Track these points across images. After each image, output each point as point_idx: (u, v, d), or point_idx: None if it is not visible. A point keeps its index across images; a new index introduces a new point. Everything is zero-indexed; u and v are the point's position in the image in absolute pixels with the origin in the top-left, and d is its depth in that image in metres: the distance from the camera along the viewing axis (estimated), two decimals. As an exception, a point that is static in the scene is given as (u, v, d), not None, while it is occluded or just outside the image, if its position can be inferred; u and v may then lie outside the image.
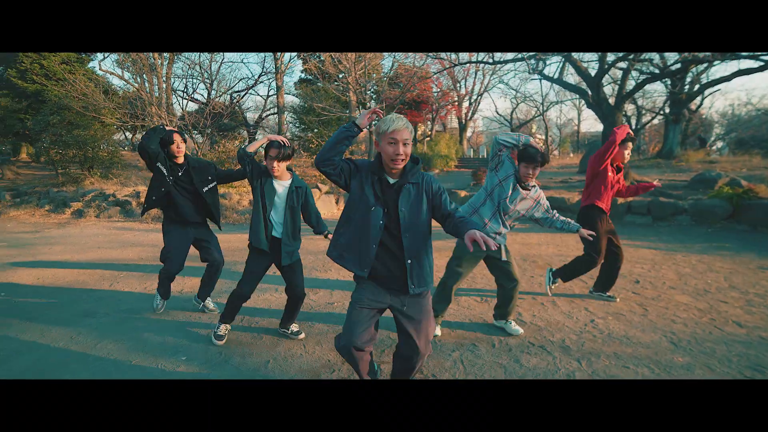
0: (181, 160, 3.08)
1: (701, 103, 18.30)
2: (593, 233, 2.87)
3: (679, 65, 8.77)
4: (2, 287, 4.16)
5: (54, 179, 13.37)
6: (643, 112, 19.20)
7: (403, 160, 1.74)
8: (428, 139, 23.13)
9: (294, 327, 2.95)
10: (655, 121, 20.32)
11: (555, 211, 2.96)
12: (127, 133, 25.90)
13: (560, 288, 4.07)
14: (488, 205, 2.79)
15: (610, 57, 8.93)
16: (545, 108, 26.31)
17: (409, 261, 1.76)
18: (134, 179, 13.08)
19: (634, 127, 19.14)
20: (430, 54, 11.58)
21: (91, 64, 18.43)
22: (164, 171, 3.00)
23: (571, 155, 20.76)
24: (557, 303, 3.66)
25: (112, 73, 16.11)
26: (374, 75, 14.17)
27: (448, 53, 11.38)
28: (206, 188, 3.13)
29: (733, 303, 3.58)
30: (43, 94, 14.24)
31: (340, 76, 13.91)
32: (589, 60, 9.48)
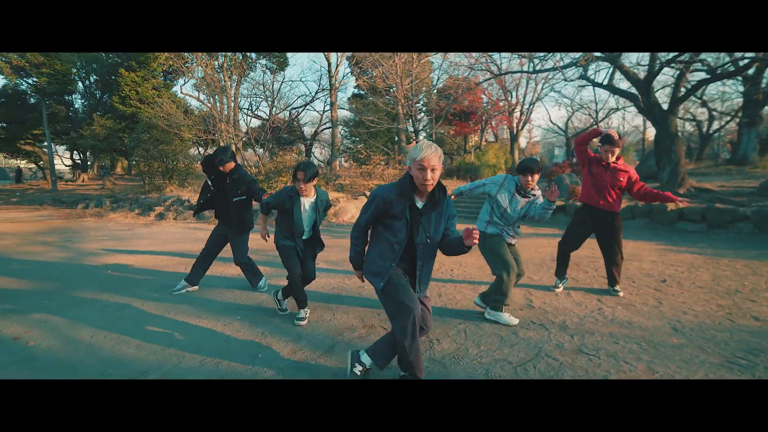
0: (227, 170, 3.76)
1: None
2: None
3: (731, 66, 8.26)
4: (110, 267, 5.25)
5: (142, 188, 15.52)
6: (718, 116, 17.72)
7: (431, 184, 1.95)
8: (478, 149, 23.17)
9: (303, 313, 3.26)
10: (733, 125, 18.60)
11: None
12: (200, 149, 28.87)
13: (581, 283, 4.24)
14: (494, 220, 3.30)
15: (662, 57, 8.68)
16: (603, 116, 25.13)
17: (420, 264, 2.11)
18: (206, 188, 14.76)
19: (705, 132, 17.73)
20: (476, 66, 11.87)
21: (174, 89, 21.13)
22: (209, 180, 3.91)
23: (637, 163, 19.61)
24: (572, 294, 3.87)
25: (190, 95, 18.34)
26: (423, 88, 14.75)
27: (491, 63, 11.58)
28: (236, 199, 3.75)
29: (761, 302, 3.54)
30: (137, 115, 16.68)
31: (391, 90, 14.66)
32: (639, 64, 9.19)
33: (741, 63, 8.92)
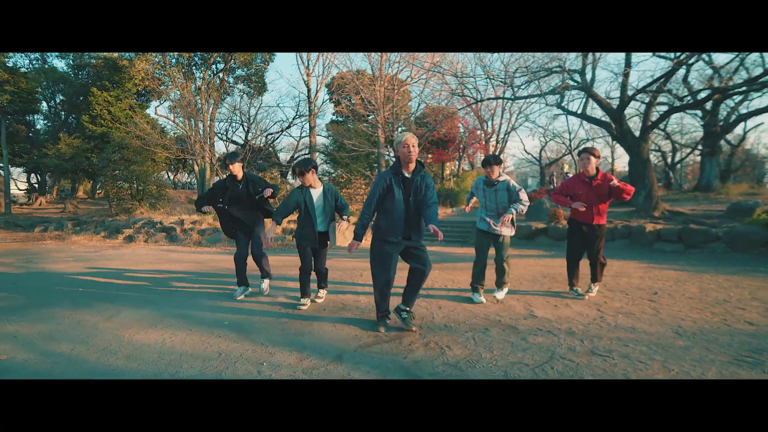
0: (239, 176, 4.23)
1: (744, 137, 18.01)
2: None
3: (704, 94, 9.05)
4: (80, 284, 4.92)
5: (108, 212, 14.91)
6: (679, 147, 19.09)
7: (414, 155, 2.98)
8: (456, 177, 23.76)
9: (321, 293, 4.14)
10: (697, 158, 20.04)
11: (519, 205, 3.98)
12: (171, 174, 28.24)
13: (581, 296, 4.32)
14: (482, 215, 4.21)
15: (630, 90, 9.35)
16: (575, 145, 26.52)
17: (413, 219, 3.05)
18: (179, 209, 14.31)
19: (670, 162, 18.99)
20: (456, 93, 12.38)
21: (147, 110, 20.81)
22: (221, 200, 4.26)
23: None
24: (570, 305, 3.93)
25: (165, 117, 18.11)
26: (402, 116, 15.19)
27: (473, 90, 12.10)
28: (258, 196, 4.21)
29: (751, 309, 3.70)
30: (108, 135, 16.23)
31: (369, 117, 14.99)
32: (609, 97, 9.84)
33: (699, 96, 9.75)
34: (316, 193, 3.76)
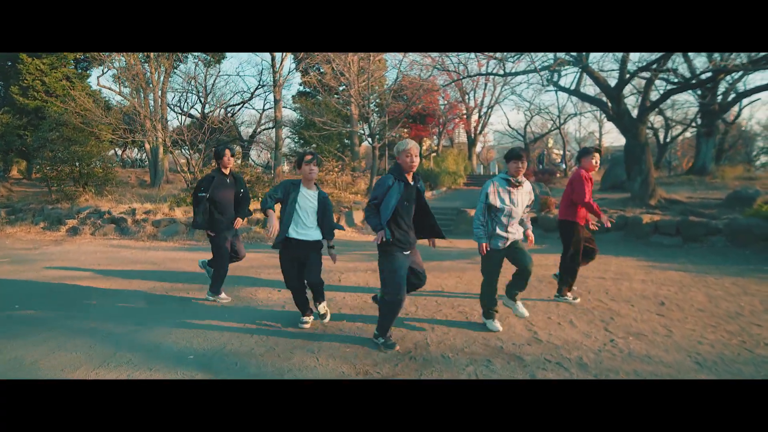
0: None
1: (739, 114, 18.47)
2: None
3: (708, 74, 9.03)
4: (17, 298, 4.47)
5: (47, 196, 13.93)
6: (673, 124, 19.38)
7: (415, 166, 3.14)
8: (435, 154, 23.46)
9: (321, 308, 3.77)
10: (688, 134, 20.46)
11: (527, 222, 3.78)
12: (118, 150, 26.75)
13: (580, 309, 4.22)
14: (497, 233, 3.58)
15: (631, 66, 9.22)
16: (562, 121, 26.65)
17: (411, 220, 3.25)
18: (129, 196, 13.54)
19: (662, 141, 19.33)
20: (438, 66, 11.97)
21: (89, 80, 19.39)
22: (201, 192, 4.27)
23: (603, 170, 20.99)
24: (575, 322, 3.82)
25: (109, 89, 16.90)
26: (377, 88, 14.64)
27: (457, 64, 11.75)
28: (241, 194, 4.44)
29: (766, 326, 3.69)
30: (43, 110, 14.98)
31: (341, 89, 14.39)
32: (609, 70, 9.78)
33: (705, 74, 9.73)
34: (309, 193, 3.57)
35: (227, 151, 4.32)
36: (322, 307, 3.77)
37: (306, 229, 3.51)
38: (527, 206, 3.68)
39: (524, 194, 3.59)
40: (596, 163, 4.29)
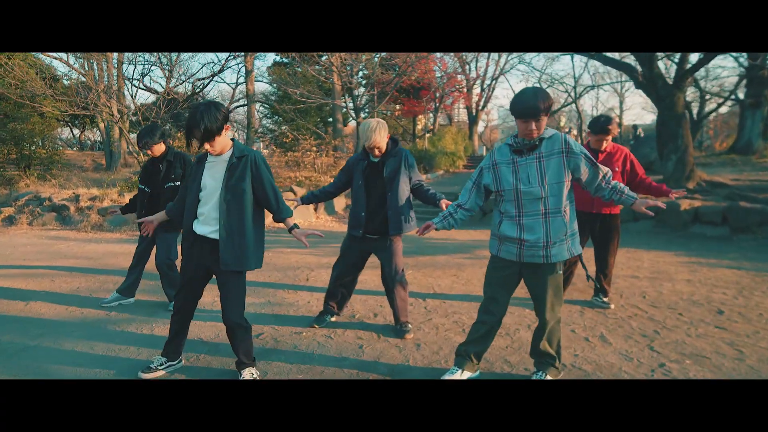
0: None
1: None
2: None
3: None
4: None
5: (-16, 182, 13.28)
6: (709, 97, 18.57)
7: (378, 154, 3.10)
8: (430, 134, 22.65)
9: (245, 374, 2.52)
10: (723, 109, 19.72)
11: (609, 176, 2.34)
12: (76, 131, 25.92)
13: (612, 318, 3.57)
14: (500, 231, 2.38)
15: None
16: (578, 94, 25.88)
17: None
18: (75, 180, 12.89)
19: (695, 116, 18.54)
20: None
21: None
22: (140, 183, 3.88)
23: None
24: (608, 338, 3.16)
25: (56, 58, 15.97)
26: (363, 56, 13.77)
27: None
28: (168, 184, 3.68)
29: None
30: (-24, 83, 14.19)
31: (323, 57, 13.53)
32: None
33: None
34: (219, 162, 2.37)
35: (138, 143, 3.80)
36: (248, 373, 2.49)
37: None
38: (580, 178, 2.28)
39: (550, 160, 2.22)
40: (605, 143, 3.72)
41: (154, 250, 3.81)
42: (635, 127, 19.17)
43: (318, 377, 2.61)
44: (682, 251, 6.23)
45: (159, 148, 3.67)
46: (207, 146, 2.25)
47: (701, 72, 18.00)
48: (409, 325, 3.28)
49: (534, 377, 2.48)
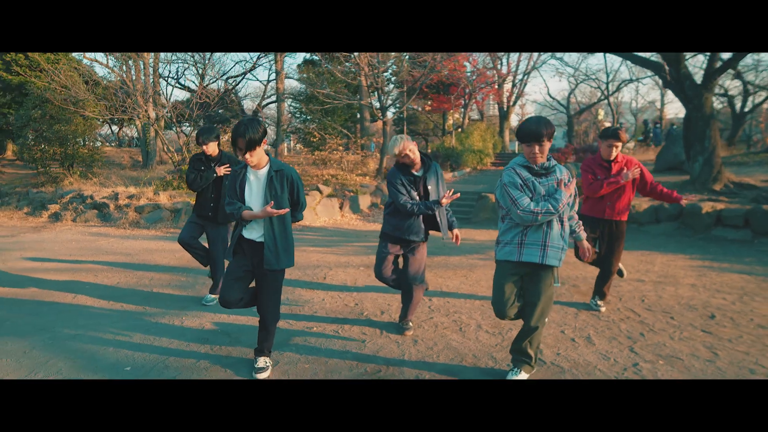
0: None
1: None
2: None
3: None
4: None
5: (35, 179, 14.37)
6: (755, 90, 17.83)
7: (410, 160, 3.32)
8: (459, 130, 22.63)
9: (260, 362, 2.95)
10: (771, 104, 18.89)
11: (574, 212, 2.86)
12: (114, 127, 27.32)
13: (604, 321, 3.83)
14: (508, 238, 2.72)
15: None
16: (615, 89, 25.26)
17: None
18: (114, 179, 13.76)
19: (738, 110, 17.89)
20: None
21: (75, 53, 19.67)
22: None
23: (653, 147, 19.37)
24: (593, 339, 3.43)
25: (96, 61, 17.03)
26: (392, 54, 14.03)
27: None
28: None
29: (844, 348, 3.21)
30: (26, 86, 15.31)
31: (352, 56, 13.91)
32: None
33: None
34: (256, 176, 2.76)
35: (199, 139, 4.18)
36: (262, 361, 2.91)
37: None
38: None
39: (552, 185, 2.62)
40: (615, 151, 3.88)
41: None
42: (672, 124, 18.66)
43: (322, 367, 3.01)
44: (698, 254, 6.30)
45: (213, 147, 4.10)
46: (247, 156, 2.60)
47: (748, 63, 17.35)
48: (411, 323, 3.64)
49: (509, 375, 2.80)
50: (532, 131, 2.49)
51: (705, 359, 3.07)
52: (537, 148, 2.51)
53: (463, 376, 2.89)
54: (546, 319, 2.74)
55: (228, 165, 4.11)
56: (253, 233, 2.80)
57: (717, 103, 23.58)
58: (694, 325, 3.71)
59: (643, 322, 3.79)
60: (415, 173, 3.35)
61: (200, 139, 4.08)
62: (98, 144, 16.35)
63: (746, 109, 18.17)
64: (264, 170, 2.74)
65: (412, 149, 3.27)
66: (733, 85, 19.20)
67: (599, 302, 4.10)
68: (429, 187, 3.33)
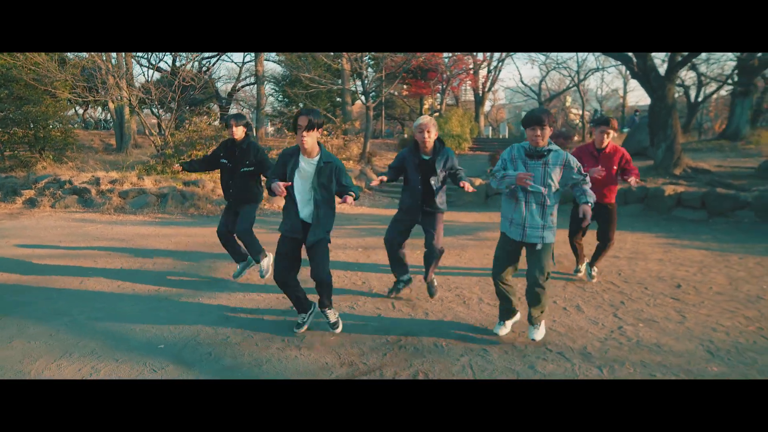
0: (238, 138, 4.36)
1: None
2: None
3: None
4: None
5: (1, 163, 13.84)
6: (707, 81, 19.11)
7: (429, 143, 3.71)
8: (437, 114, 23.11)
9: (331, 315, 3.45)
10: (723, 92, 20.22)
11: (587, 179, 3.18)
12: (79, 109, 26.25)
13: (589, 292, 4.34)
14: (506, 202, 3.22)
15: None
16: (582, 77, 26.29)
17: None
18: (91, 163, 13.45)
19: (693, 100, 19.13)
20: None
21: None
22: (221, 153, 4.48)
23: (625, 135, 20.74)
24: (582, 307, 3.93)
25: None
26: (372, 38, 14.24)
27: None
28: (243, 170, 4.31)
29: (788, 310, 3.81)
30: (-11, 65, 14.63)
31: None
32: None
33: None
34: (308, 163, 3.09)
35: (231, 121, 4.40)
36: (332, 314, 3.45)
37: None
38: (574, 186, 3.16)
39: (551, 167, 3.01)
40: (607, 138, 4.28)
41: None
42: (635, 111, 19.71)
43: (347, 339, 3.34)
44: (663, 233, 6.99)
45: (240, 132, 4.28)
46: (305, 134, 2.93)
47: (702, 56, 18.49)
48: (436, 283, 4.20)
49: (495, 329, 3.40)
50: (536, 116, 2.96)
51: (676, 321, 3.61)
52: (539, 130, 2.95)
53: (475, 342, 3.31)
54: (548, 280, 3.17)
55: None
56: (304, 212, 3.18)
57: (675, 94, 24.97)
58: (664, 293, 4.28)
59: (622, 292, 4.33)
60: (424, 156, 3.77)
61: (231, 121, 4.29)
62: (72, 127, 15.82)
63: (699, 99, 19.39)
64: (315, 159, 3.08)
65: (430, 130, 3.65)
66: (688, 76, 20.41)
67: (593, 270, 4.68)
68: (438, 170, 3.75)
